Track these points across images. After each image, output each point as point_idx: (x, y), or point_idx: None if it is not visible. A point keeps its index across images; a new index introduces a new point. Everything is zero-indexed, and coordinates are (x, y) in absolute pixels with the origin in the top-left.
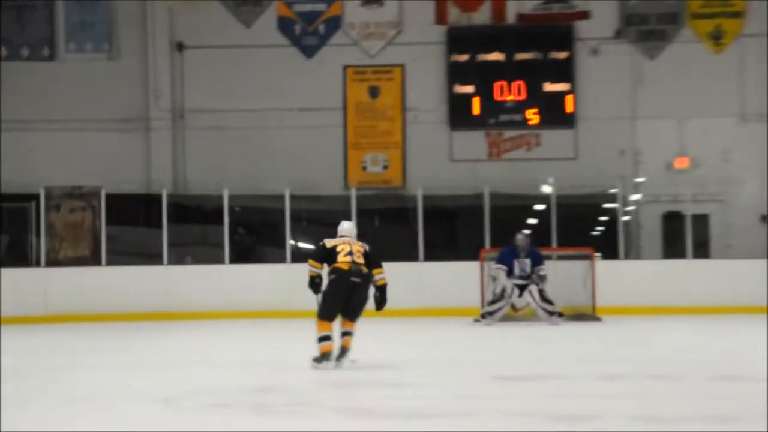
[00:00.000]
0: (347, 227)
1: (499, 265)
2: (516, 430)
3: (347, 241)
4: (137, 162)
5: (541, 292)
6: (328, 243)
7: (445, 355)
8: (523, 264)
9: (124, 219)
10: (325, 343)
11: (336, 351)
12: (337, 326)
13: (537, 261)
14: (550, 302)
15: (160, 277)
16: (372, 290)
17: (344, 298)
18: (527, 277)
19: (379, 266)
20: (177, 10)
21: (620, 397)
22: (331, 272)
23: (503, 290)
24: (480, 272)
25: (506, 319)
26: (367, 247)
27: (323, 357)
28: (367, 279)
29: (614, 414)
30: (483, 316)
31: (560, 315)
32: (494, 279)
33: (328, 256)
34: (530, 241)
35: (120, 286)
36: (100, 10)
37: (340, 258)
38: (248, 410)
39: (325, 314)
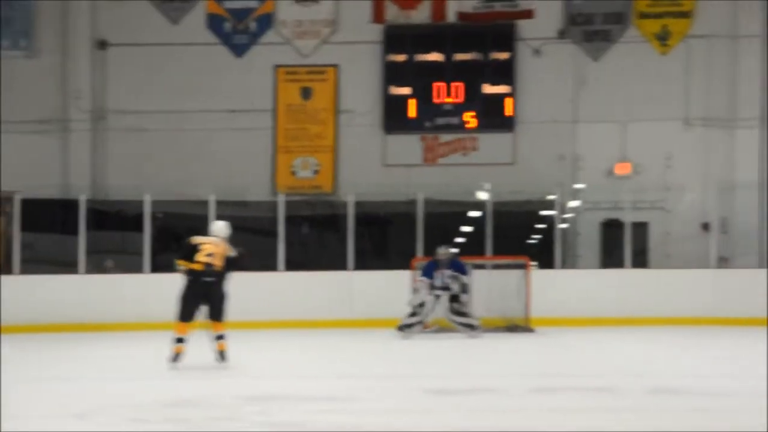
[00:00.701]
0: (218, 227)
1: (422, 278)
2: None
3: (214, 241)
4: (55, 165)
5: (452, 303)
6: (194, 240)
7: (375, 367)
8: (443, 276)
9: (40, 225)
10: (177, 345)
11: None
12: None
13: (459, 271)
14: (464, 314)
15: (76, 286)
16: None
17: (199, 298)
18: (447, 288)
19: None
20: (99, 6)
21: (554, 410)
22: (186, 273)
23: (422, 304)
24: (412, 282)
25: (435, 330)
26: (233, 253)
27: (175, 357)
28: (222, 277)
29: (549, 428)
30: (400, 328)
31: (474, 328)
32: (416, 291)
33: (192, 253)
34: (452, 253)
35: (33, 295)
36: (18, 5)
37: (198, 257)
38: (167, 425)
39: (180, 316)
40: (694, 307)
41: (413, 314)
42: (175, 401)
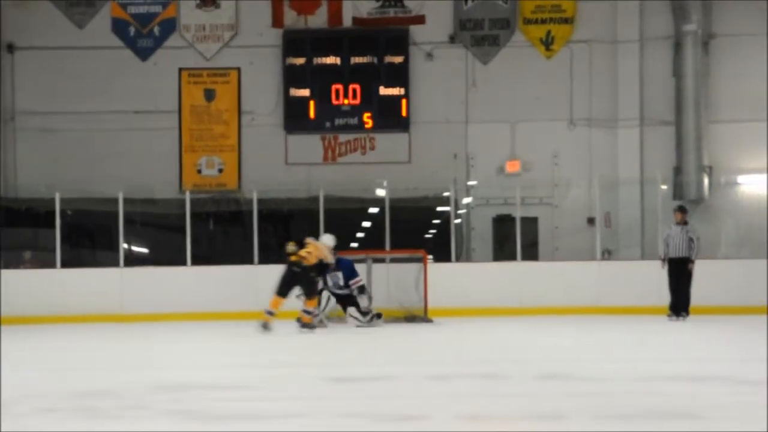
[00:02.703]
0: (326, 237)
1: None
2: (347, 431)
3: (316, 244)
4: None
5: (357, 307)
6: (307, 240)
7: (279, 357)
8: (335, 277)
9: None
10: (267, 315)
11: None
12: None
13: (350, 273)
14: (366, 313)
15: None
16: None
17: (289, 281)
18: (345, 287)
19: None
20: (7, 10)
21: (449, 396)
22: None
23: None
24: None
25: (333, 320)
26: (329, 259)
27: (264, 325)
28: (306, 270)
29: (443, 413)
30: (299, 320)
31: (379, 316)
32: None
33: (302, 245)
34: (337, 257)
35: None
36: None
37: (300, 252)
38: (77, 414)
39: (275, 291)
40: (580, 297)
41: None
42: (85, 392)
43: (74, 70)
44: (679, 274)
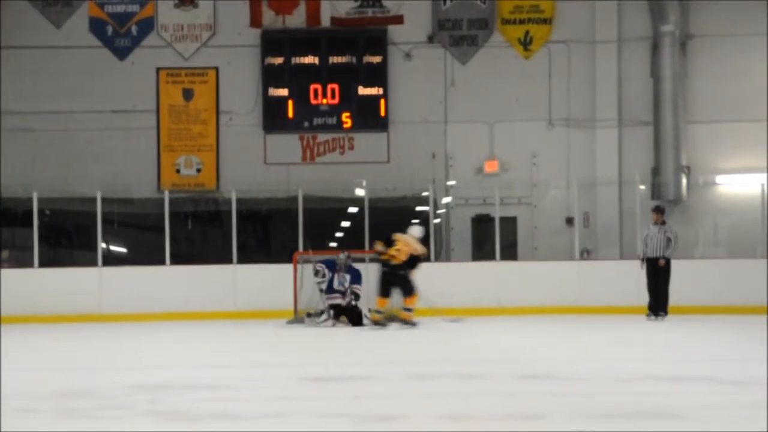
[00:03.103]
0: (414, 230)
1: (323, 265)
2: (326, 431)
3: (405, 240)
4: None
5: (359, 315)
6: (395, 236)
7: (259, 357)
8: (342, 279)
9: None
10: (374, 314)
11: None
12: None
13: (355, 279)
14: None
15: None
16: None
17: (384, 281)
18: (344, 293)
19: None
20: None
21: (428, 396)
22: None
23: (323, 311)
24: (293, 275)
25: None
26: (420, 251)
27: (374, 323)
28: (395, 268)
29: (422, 413)
30: (309, 314)
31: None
32: (321, 275)
33: (390, 243)
34: (350, 259)
35: None
36: None
37: (390, 250)
38: (57, 415)
39: (379, 293)
40: (560, 298)
41: (318, 314)
42: (65, 392)
43: (51, 70)
44: (657, 274)
